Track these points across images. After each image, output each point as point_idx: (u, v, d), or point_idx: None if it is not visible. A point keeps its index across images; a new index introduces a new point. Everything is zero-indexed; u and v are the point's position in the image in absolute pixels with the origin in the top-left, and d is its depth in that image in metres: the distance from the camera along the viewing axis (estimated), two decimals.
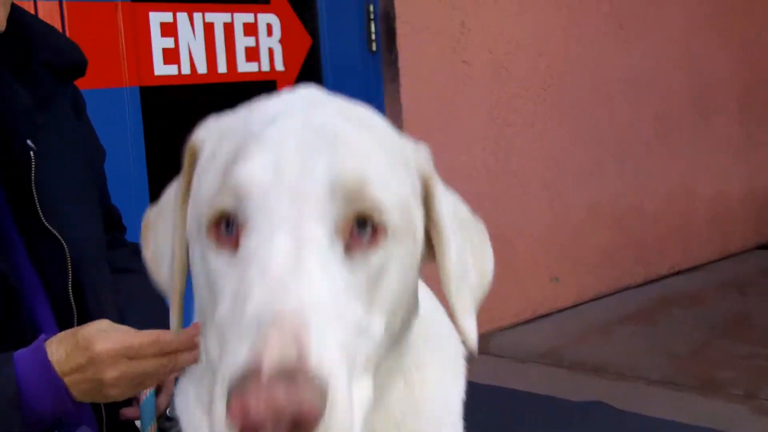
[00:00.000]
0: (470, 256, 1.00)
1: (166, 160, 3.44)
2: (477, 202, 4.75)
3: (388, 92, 4.18)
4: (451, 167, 4.34)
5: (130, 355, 1.28)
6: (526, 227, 4.69)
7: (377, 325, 0.87)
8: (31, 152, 1.47)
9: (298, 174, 0.85)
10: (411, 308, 0.98)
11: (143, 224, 1.09)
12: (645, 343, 4.29)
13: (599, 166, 5.07)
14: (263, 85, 3.74)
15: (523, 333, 4.51)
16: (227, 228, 0.87)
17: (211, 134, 1.00)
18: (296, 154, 0.86)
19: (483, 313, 4.23)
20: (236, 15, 3.63)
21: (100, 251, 1.59)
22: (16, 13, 1.48)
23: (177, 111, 3.49)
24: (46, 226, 1.47)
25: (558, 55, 4.84)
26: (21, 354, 1.32)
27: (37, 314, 1.49)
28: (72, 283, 1.49)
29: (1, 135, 1.48)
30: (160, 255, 1.07)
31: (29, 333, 1.39)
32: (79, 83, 1.74)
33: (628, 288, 5.18)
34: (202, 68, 3.53)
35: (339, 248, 0.85)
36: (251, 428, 0.71)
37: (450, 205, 1.02)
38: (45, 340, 1.33)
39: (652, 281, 5.33)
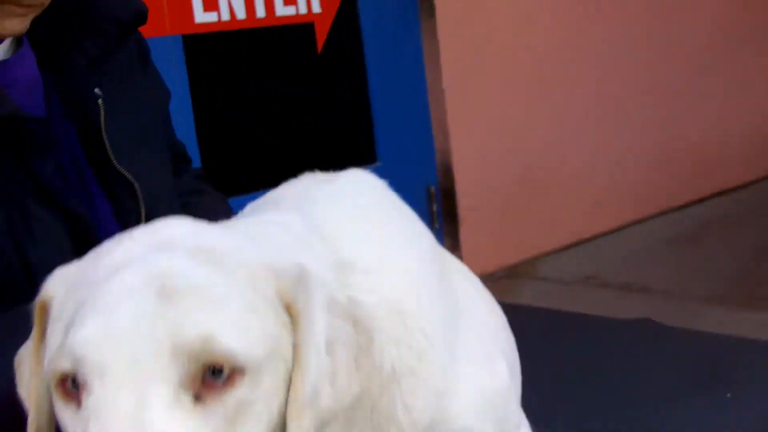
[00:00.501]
0: (330, 382, 0.94)
1: (211, 106, 3.51)
2: (514, 139, 4.78)
3: (426, 30, 4.20)
4: (489, 105, 4.37)
5: None
6: (568, 158, 4.71)
7: None
8: (99, 100, 1.54)
9: (135, 337, 0.84)
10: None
11: (16, 361, 1.04)
12: (690, 263, 4.33)
13: (640, 96, 5.06)
14: (301, 28, 3.79)
15: (568, 257, 4.56)
16: (73, 383, 0.87)
17: (58, 289, 0.98)
18: (133, 316, 0.85)
19: (527, 238, 4.29)
20: None
21: (169, 191, 1.66)
22: None
23: (219, 57, 3.56)
24: (118, 169, 1.54)
25: None
26: None
27: None
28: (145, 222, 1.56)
29: (70, 85, 1.55)
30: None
31: None
32: None
33: (670, 211, 5.20)
34: (241, 14, 3.57)
35: (187, 400, 0.84)
36: None
37: (321, 328, 0.94)
38: None
39: (694, 203, 5.33)
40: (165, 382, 0.84)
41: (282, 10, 3.70)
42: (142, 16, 1.66)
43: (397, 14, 4.12)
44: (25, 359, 1.02)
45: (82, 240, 1.45)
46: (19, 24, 1.45)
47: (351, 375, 0.96)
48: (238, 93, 3.63)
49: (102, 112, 1.53)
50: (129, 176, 1.55)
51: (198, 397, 0.85)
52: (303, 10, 3.78)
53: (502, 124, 4.41)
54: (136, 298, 0.86)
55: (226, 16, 3.52)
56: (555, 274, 4.30)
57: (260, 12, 3.63)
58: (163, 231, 0.98)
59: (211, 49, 3.50)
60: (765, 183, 5.78)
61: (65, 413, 0.89)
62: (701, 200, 5.36)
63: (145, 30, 1.74)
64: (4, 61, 1.51)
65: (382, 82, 4.07)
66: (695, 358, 2.41)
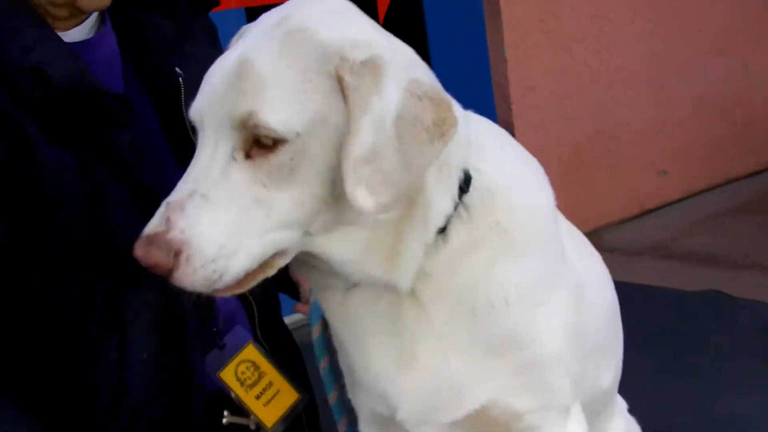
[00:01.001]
0: (395, 149, 1.14)
1: None
2: (579, 101, 4.69)
3: None
4: (552, 67, 4.33)
5: None
6: (630, 123, 4.67)
7: (282, 199, 1.15)
8: (180, 79, 1.58)
9: (217, 108, 1.16)
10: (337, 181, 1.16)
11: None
12: (757, 232, 4.27)
13: (703, 58, 4.98)
14: None
15: (633, 227, 4.53)
16: None
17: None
18: (218, 93, 1.16)
19: (591, 209, 4.24)
20: None
21: None
22: None
23: None
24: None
25: None
26: None
27: None
28: None
29: (149, 63, 1.61)
30: None
31: None
32: None
33: (737, 179, 5.12)
34: None
35: (240, 156, 1.15)
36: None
37: (390, 103, 1.14)
38: None
39: (761, 171, 5.25)
40: (226, 142, 1.15)
41: None
42: None
43: None
44: None
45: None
46: None
47: (422, 145, 1.15)
48: None
49: (183, 92, 1.58)
50: None
51: (249, 155, 1.15)
52: None
53: (565, 93, 4.38)
54: (223, 77, 1.17)
55: None
56: (620, 244, 4.26)
57: None
58: (291, 9, 1.22)
59: None
60: None
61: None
62: None
63: None
64: (88, 40, 1.57)
65: (444, 52, 4.05)
66: (765, 330, 2.39)
